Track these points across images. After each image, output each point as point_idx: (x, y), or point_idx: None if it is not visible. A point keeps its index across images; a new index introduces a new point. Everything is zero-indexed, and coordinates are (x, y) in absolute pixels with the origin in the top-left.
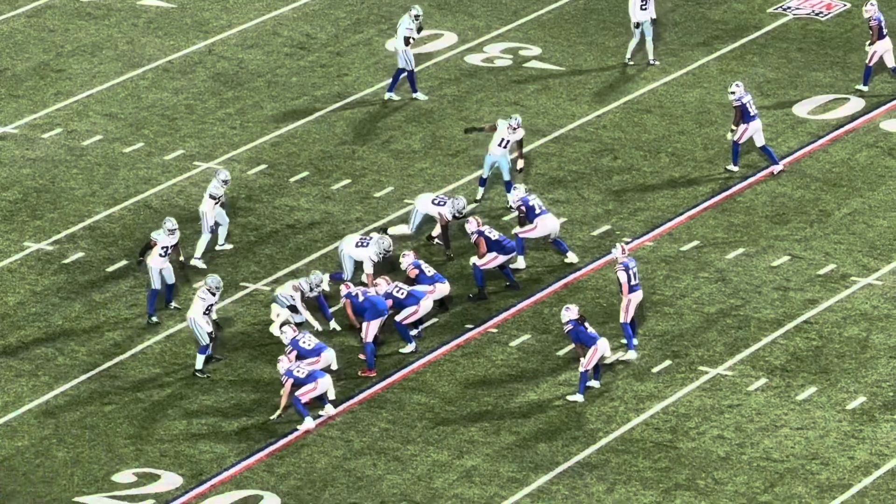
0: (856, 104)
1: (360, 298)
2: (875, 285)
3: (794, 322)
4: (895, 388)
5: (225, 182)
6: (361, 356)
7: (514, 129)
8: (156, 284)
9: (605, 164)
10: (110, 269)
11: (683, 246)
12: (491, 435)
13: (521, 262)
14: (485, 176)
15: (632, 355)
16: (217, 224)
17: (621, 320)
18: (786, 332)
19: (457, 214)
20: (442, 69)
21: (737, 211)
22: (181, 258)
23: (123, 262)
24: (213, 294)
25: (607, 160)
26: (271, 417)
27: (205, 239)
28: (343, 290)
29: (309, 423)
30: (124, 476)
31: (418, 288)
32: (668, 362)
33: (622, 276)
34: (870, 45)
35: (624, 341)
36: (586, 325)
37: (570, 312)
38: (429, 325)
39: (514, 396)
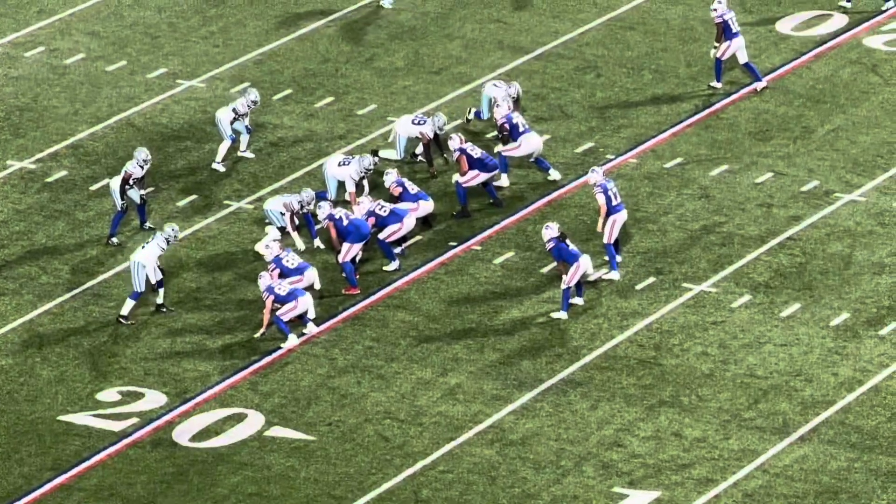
0: (839, 20)
1: (344, 221)
2: (858, 201)
3: (777, 239)
4: (878, 304)
5: (255, 103)
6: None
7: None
8: (119, 207)
9: (589, 81)
10: (93, 187)
11: (667, 163)
12: (475, 353)
13: (504, 180)
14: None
15: (614, 275)
16: (237, 133)
17: (604, 241)
18: (769, 249)
19: (437, 131)
20: None
21: (720, 128)
22: (144, 192)
23: (106, 181)
24: (169, 243)
25: (590, 77)
26: (254, 335)
27: (225, 144)
28: (325, 210)
29: (292, 340)
30: (108, 394)
31: (401, 206)
32: (651, 279)
33: (601, 199)
34: (717, 43)
35: (607, 258)
36: (568, 242)
37: (550, 230)
38: (412, 244)
39: (497, 314)
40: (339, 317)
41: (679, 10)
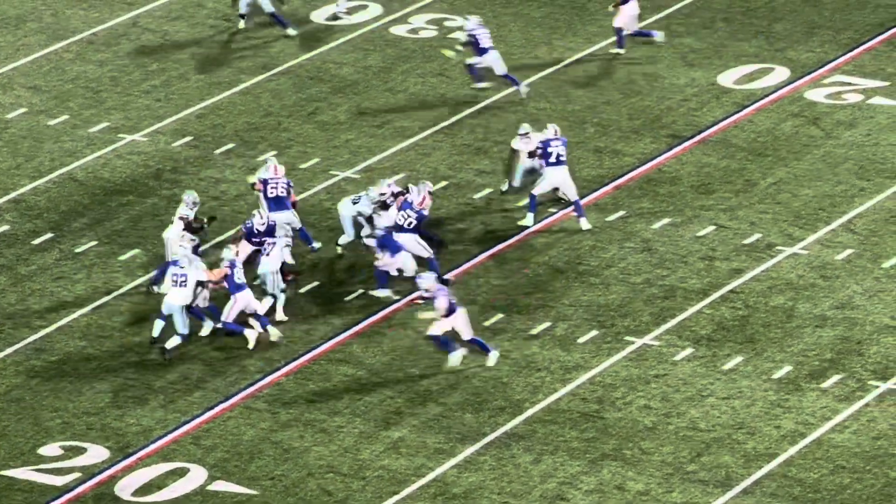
0: (781, 74)
1: (236, 276)
2: (800, 255)
3: (720, 292)
4: (820, 357)
5: (195, 204)
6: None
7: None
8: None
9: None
10: (35, 241)
11: (609, 216)
12: (417, 406)
13: (529, 220)
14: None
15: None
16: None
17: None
18: (712, 302)
19: (374, 205)
20: (367, 40)
21: (662, 181)
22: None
23: (49, 235)
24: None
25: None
26: (202, 286)
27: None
28: (228, 255)
29: (251, 333)
30: (50, 449)
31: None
32: (594, 332)
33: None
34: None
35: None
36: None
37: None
38: (356, 296)
39: (440, 367)
40: (282, 371)
41: (621, 64)
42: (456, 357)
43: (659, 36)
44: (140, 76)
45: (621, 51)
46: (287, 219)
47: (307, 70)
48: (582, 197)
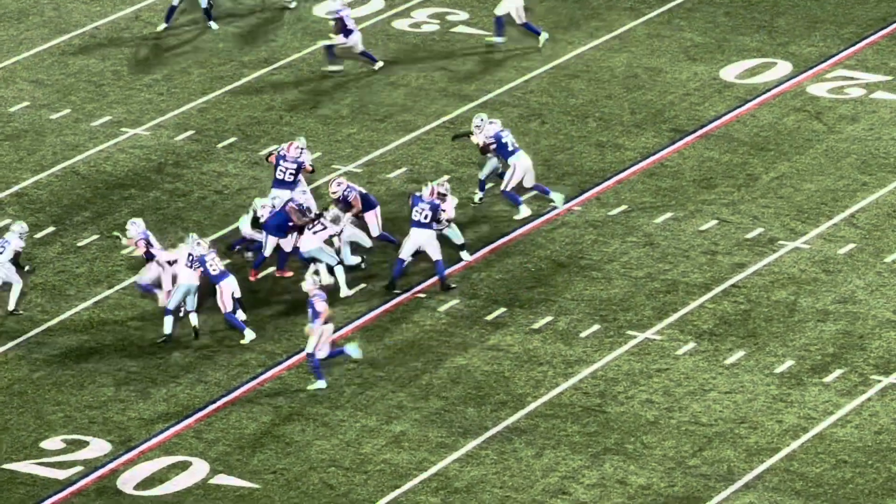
0: (783, 68)
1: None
2: (802, 249)
3: (722, 286)
4: (823, 351)
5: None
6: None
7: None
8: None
9: (533, 129)
10: (37, 235)
11: (611, 210)
12: (419, 400)
13: (524, 211)
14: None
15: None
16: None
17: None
18: (714, 297)
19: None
20: (369, 34)
21: (664, 175)
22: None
23: (51, 229)
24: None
25: (535, 125)
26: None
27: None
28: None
29: (249, 333)
30: (53, 443)
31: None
32: (596, 327)
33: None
34: (333, 35)
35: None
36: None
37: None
38: (357, 290)
39: (442, 361)
40: (284, 364)
41: (623, 58)
42: (321, 384)
43: (541, 37)
44: (142, 70)
45: (500, 40)
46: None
47: (309, 64)
48: (584, 191)
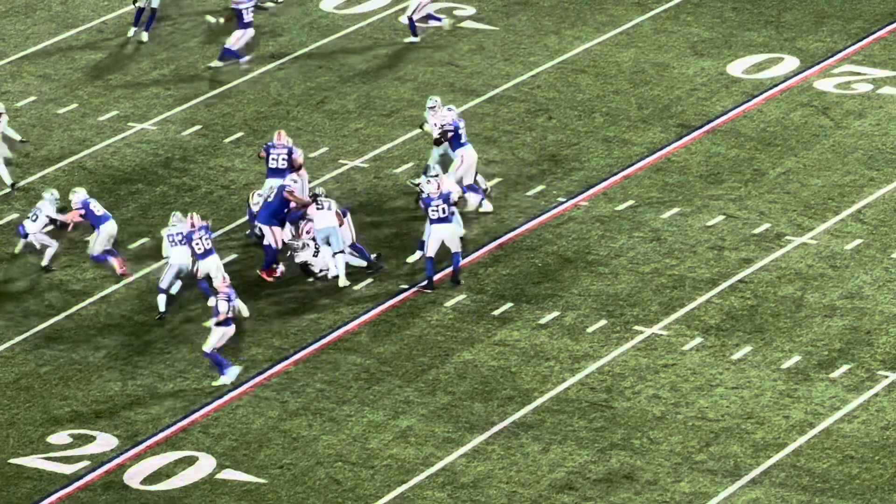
0: (790, 63)
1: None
2: (809, 244)
3: (728, 281)
4: (829, 347)
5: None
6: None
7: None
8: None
9: (540, 124)
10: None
11: (618, 205)
12: (426, 395)
13: (487, 205)
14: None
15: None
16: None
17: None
18: (721, 292)
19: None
20: (377, 29)
21: (671, 170)
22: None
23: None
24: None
25: (542, 120)
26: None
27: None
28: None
29: (233, 373)
30: (59, 437)
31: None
32: (603, 322)
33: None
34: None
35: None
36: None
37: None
38: (364, 285)
39: (448, 357)
40: (291, 359)
41: (630, 54)
42: (232, 373)
43: (415, 39)
44: (149, 65)
45: (416, 39)
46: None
47: (316, 59)
48: (591, 186)
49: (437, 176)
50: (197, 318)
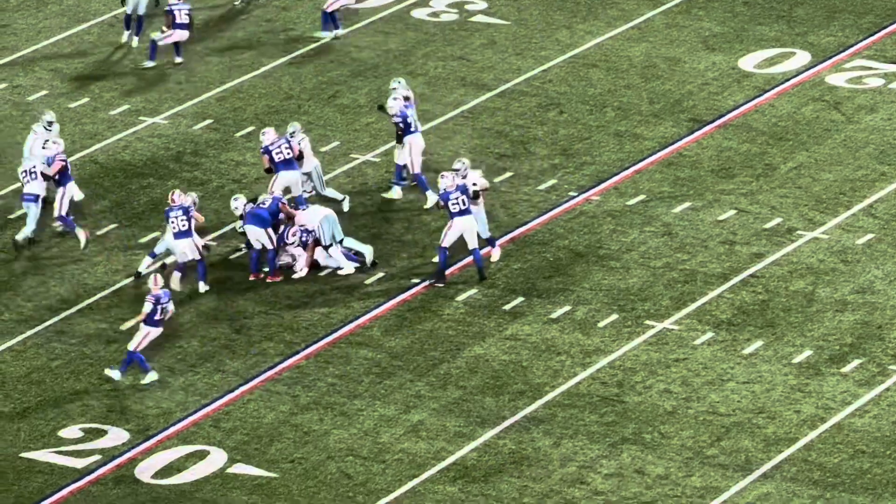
0: (802, 58)
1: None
2: (821, 239)
3: (740, 276)
4: (841, 341)
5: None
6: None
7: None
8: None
9: (551, 119)
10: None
11: (630, 200)
12: (437, 389)
13: (430, 199)
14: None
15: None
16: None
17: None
18: (732, 286)
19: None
20: (388, 23)
21: (683, 165)
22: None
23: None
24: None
25: (553, 114)
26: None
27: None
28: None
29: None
30: (71, 431)
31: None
32: (614, 316)
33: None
34: (164, 28)
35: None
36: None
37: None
38: (376, 279)
39: (460, 351)
40: (302, 354)
41: (642, 48)
42: (151, 376)
43: (329, 35)
44: (160, 59)
45: (327, 34)
46: (293, 179)
47: (328, 53)
48: (602, 180)
49: (458, 170)
50: (208, 312)
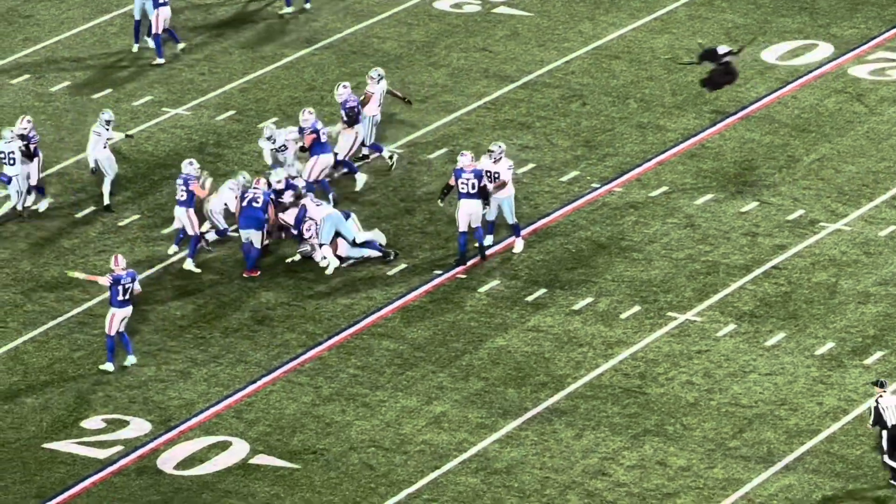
0: (824, 50)
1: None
2: (843, 231)
3: (762, 268)
4: (863, 333)
5: (108, 122)
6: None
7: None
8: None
9: (574, 110)
10: (79, 215)
11: (652, 192)
12: (459, 381)
13: (359, 181)
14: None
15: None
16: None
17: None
18: (754, 278)
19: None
20: (411, 14)
21: (705, 157)
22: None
23: (92, 208)
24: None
25: (576, 106)
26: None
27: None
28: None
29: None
30: (93, 422)
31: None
32: (636, 308)
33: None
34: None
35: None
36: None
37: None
38: (398, 271)
39: (482, 342)
40: (324, 345)
41: (665, 40)
42: (109, 366)
43: (290, 8)
44: (183, 50)
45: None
46: (329, 162)
47: (350, 45)
48: (625, 172)
49: (493, 151)
50: (229, 303)
